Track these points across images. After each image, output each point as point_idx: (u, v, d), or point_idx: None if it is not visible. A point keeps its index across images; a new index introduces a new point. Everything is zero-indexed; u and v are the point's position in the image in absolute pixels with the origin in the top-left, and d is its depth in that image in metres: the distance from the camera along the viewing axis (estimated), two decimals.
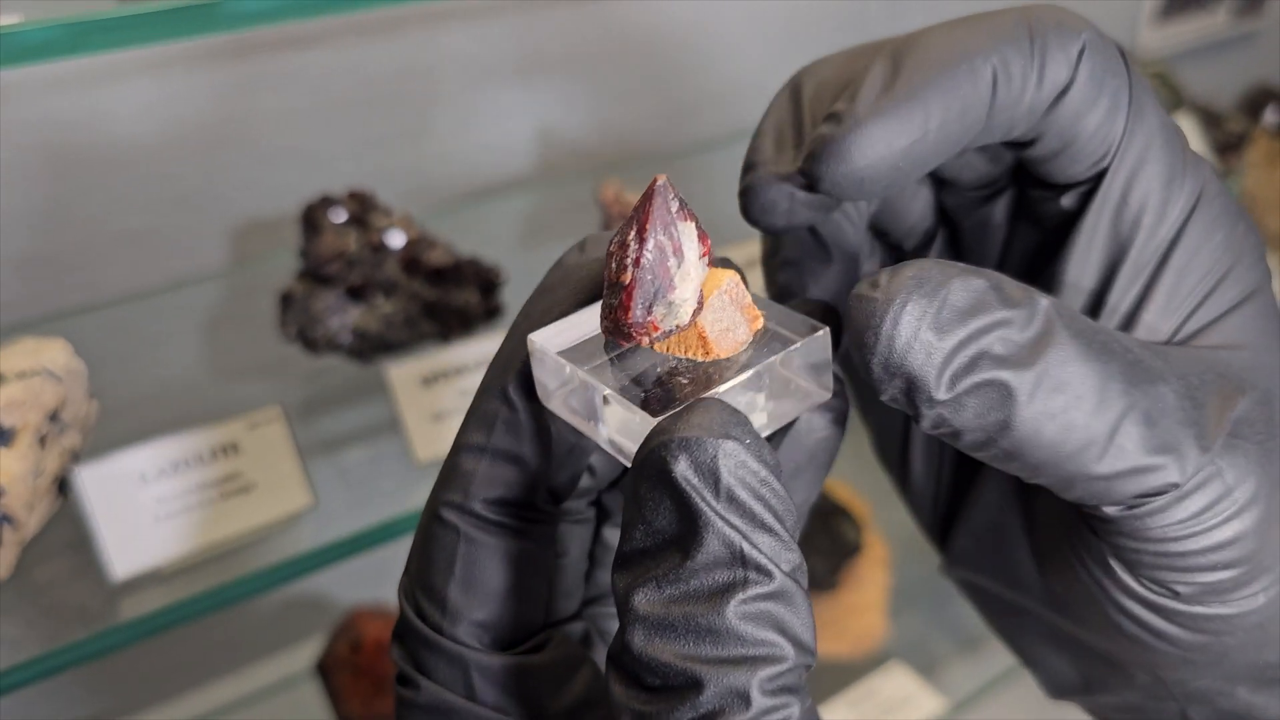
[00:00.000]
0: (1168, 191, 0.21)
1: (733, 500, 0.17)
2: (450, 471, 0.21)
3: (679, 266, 0.18)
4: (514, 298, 0.61)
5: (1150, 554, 0.20)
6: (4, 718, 0.59)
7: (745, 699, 0.16)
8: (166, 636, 0.49)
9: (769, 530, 0.17)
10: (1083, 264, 0.22)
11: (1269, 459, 0.20)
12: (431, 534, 0.21)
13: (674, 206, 0.18)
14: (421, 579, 0.21)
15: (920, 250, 0.26)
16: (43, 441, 0.48)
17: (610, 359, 0.20)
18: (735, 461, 0.17)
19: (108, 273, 0.64)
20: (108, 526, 0.47)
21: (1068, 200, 0.22)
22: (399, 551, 0.58)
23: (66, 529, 0.50)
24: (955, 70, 0.20)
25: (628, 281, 0.18)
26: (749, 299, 0.20)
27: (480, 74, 0.73)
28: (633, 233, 0.18)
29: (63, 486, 0.50)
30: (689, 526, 0.17)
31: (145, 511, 0.48)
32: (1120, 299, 0.22)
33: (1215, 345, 0.21)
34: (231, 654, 0.77)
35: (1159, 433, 0.19)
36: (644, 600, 0.17)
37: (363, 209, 0.59)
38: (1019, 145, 0.22)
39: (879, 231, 0.26)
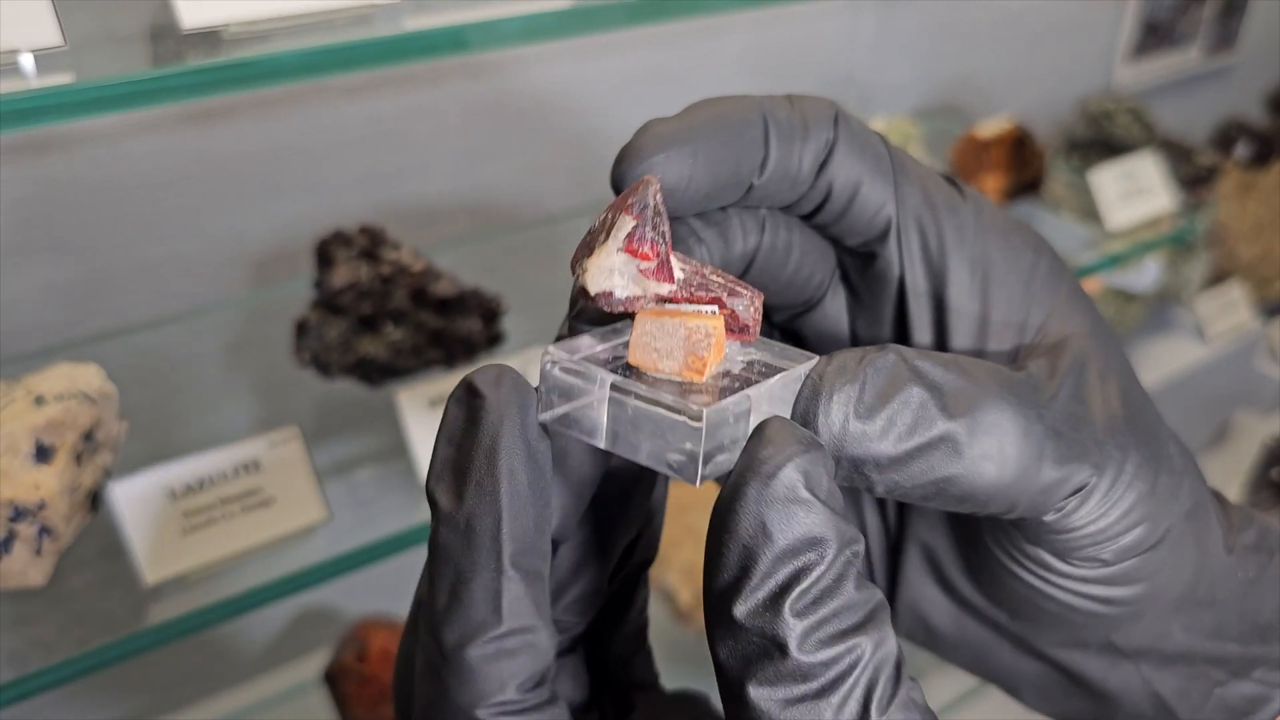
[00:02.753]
0: (956, 217, 0.25)
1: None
2: (468, 669, 0.20)
3: (602, 243, 0.21)
4: (514, 327, 0.65)
5: (1079, 539, 0.23)
6: None
7: None
8: (180, 645, 0.52)
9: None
10: (919, 311, 0.25)
11: (1137, 422, 0.24)
12: None
13: (629, 200, 0.21)
14: None
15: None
16: (79, 459, 0.52)
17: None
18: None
19: (132, 299, 0.68)
20: (139, 537, 0.51)
21: (882, 263, 0.25)
22: (405, 564, 0.61)
23: (97, 539, 0.54)
24: (732, 108, 0.24)
25: (583, 236, 0.22)
26: (707, 355, 0.21)
27: (480, 115, 0.78)
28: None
29: (95, 500, 0.54)
30: None
31: (173, 523, 0.52)
32: (966, 309, 0.25)
33: (1065, 332, 0.25)
34: (242, 663, 0.80)
35: (1065, 442, 0.22)
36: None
37: (373, 243, 0.63)
38: (818, 212, 0.25)
39: None
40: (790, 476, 0.19)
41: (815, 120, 0.24)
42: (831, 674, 0.18)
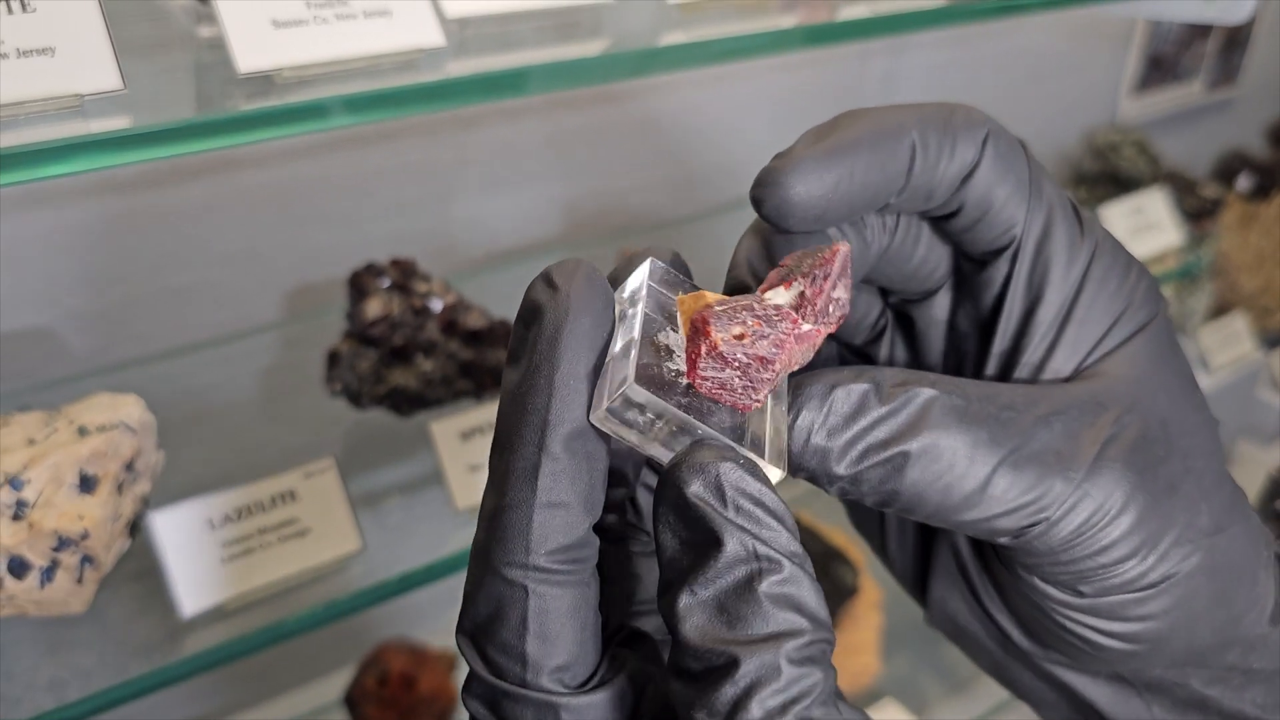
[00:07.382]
0: (1069, 253, 0.26)
1: (739, 509, 0.21)
2: (504, 530, 0.22)
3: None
4: None
5: (1045, 565, 0.25)
6: None
7: (776, 669, 0.19)
8: None
9: (771, 529, 0.21)
10: (1005, 329, 0.27)
11: (1143, 469, 0.24)
12: (496, 593, 0.22)
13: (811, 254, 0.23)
14: (492, 637, 0.22)
15: (872, 344, 0.31)
16: (120, 488, 0.53)
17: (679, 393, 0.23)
18: (734, 477, 0.21)
19: (161, 327, 0.69)
20: (178, 567, 0.52)
21: (990, 273, 0.27)
22: (430, 590, 0.62)
23: (134, 564, 0.54)
24: (880, 133, 0.25)
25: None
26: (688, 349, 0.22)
27: (508, 148, 0.79)
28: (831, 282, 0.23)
29: (133, 528, 0.55)
30: (710, 536, 0.21)
31: (211, 554, 0.53)
32: (1032, 354, 0.27)
33: (1110, 375, 0.26)
34: (264, 684, 0.81)
35: (1026, 476, 0.23)
36: (685, 603, 0.20)
37: (404, 276, 0.65)
38: (946, 219, 0.27)
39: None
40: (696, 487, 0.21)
41: (964, 140, 0.25)
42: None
